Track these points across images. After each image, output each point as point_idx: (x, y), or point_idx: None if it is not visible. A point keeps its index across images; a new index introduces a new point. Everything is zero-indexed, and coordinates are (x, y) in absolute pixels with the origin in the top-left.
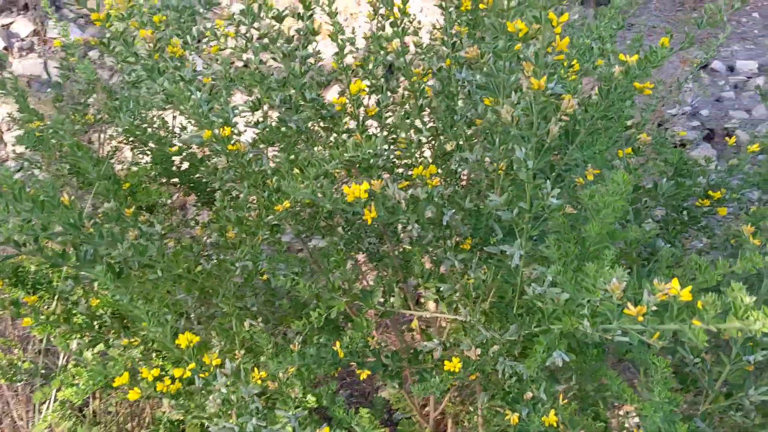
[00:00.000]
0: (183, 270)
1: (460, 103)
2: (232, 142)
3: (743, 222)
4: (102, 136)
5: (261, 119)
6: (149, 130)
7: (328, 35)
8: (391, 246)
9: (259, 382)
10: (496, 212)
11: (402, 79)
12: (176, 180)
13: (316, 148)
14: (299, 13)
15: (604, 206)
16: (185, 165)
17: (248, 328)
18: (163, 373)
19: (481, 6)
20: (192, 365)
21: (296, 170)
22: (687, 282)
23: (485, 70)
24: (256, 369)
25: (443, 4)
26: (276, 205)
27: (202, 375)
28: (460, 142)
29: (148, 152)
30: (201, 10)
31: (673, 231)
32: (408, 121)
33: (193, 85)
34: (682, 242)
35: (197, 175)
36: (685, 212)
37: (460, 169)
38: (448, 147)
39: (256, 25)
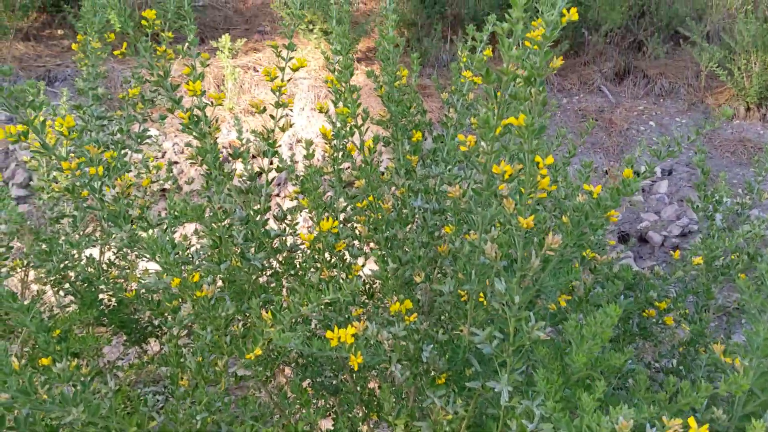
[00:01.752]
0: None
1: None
2: (200, 287)
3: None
4: (23, 277)
5: (223, 258)
6: (78, 269)
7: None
8: (353, 380)
9: None
10: (474, 345)
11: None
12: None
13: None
14: (265, 151)
15: (592, 336)
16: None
17: None
18: None
19: (462, 149)
20: None
21: (266, 315)
22: (668, 404)
23: (464, 207)
24: None
25: (396, 134)
26: (247, 353)
27: None
28: (430, 274)
29: (75, 293)
30: (132, 144)
31: (623, 343)
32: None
33: (158, 229)
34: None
35: (131, 313)
36: (635, 324)
37: (423, 299)
38: (417, 278)
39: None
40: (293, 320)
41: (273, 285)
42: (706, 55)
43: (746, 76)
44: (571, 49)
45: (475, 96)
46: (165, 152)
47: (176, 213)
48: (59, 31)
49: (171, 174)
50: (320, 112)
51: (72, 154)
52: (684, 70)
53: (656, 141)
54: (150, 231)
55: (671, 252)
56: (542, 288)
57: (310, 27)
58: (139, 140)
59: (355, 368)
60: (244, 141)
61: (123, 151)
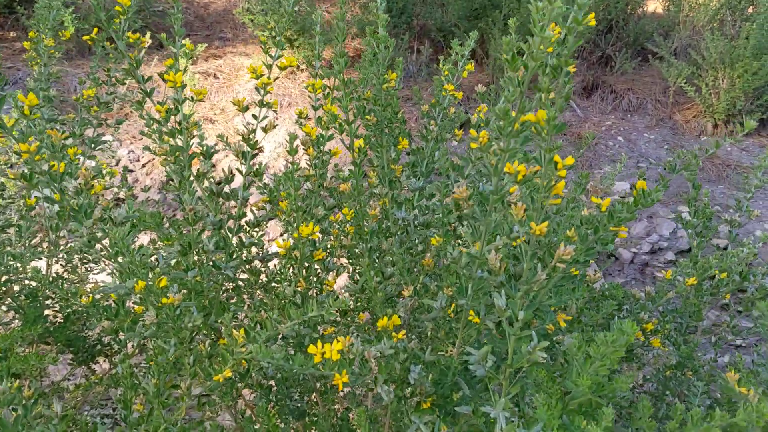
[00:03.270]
0: None
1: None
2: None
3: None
4: None
5: (191, 267)
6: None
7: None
8: (324, 405)
9: None
10: (465, 366)
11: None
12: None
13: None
14: (243, 152)
15: (600, 357)
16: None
17: None
18: None
19: (473, 146)
20: None
21: (236, 333)
22: None
23: (467, 212)
24: None
25: (382, 141)
26: (215, 374)
27: None
28: (418, 287)
29: (18, 309)
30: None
31: None
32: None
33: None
34: None
35: (78, 330)
36: None
37: (403, 314)
38: (405, 292)
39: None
40: (269, 338)
41: (234, 300)
42: (674, 71)
43: (714, 92)
44: None
45: (456, 110)
46: (120, 160)
47: (133, 223)
48: (11, 33)
49: (125, 182)
50: (300, 117)
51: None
52: (652, 85)
53: (627, 157)
54: (114, 230)
55: (641, 269)
56: (540, 306)
57: (273, 34)
58: (93, 145)
59: (340, 388)
60: (204, 149)
61: (76, 156)
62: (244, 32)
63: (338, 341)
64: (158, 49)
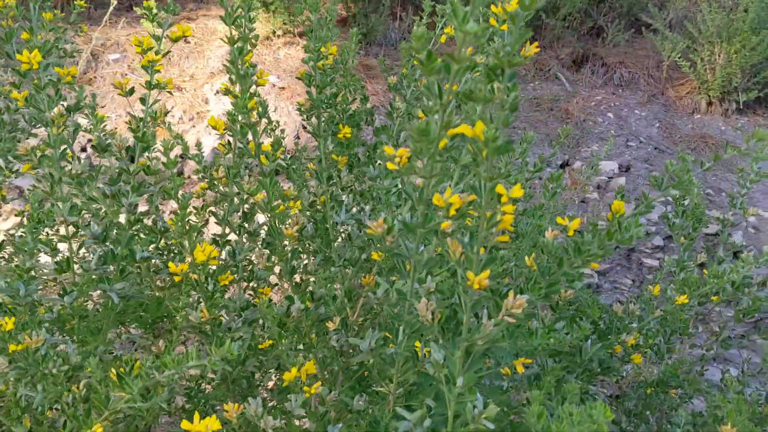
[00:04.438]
0: None
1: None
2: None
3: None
4: None
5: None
6: None
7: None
8: None
9: None
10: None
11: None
12: None
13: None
14: (129, 146)
15: None
16: None
17: None
18: None
19: (390, 166)
20: None
21: (113, 373)
22: None
23: (391, 246)
24: None
25: (318, 130)
26: (84, 429)
27: None
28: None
29: None
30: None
31: (582, 378)
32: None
33: None
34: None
35: None
36: (596, 363)
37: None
38: (330, 325)
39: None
40: (145, 389)
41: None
42: (668, 45)
43: (709, 68)
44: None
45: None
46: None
47: (34, 219)
48: None
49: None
50: (225, 94)
51: None
52: (645, 59)
53: (615, 134)
54: None
55: (627, 254)
56: (492, 348)
57: None
58: (32, 122)
59: None
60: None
61: (11, 134)
62: None
63: (227, 409)
64: (127, 11)
